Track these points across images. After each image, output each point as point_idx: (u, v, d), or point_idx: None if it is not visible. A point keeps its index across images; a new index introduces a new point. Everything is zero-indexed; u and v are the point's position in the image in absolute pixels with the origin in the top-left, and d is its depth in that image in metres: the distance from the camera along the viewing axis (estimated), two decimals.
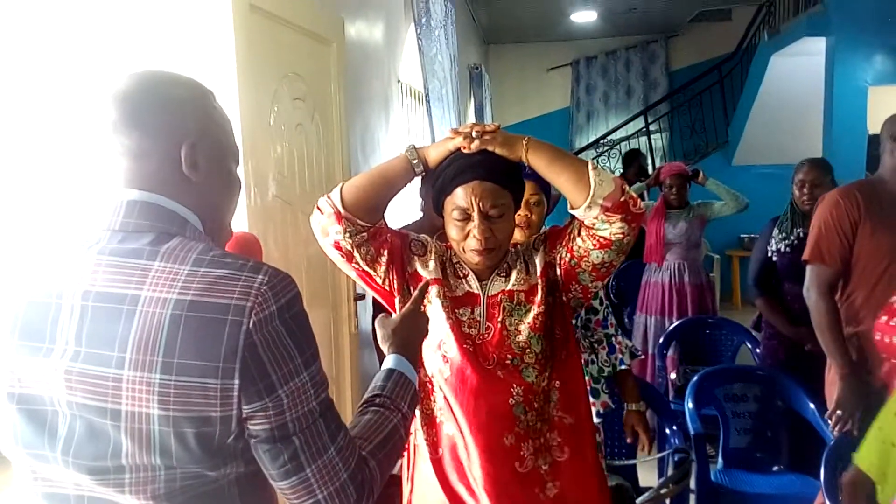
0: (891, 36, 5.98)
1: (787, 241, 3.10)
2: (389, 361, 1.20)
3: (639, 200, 1.44)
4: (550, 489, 1.51)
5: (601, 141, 9.28)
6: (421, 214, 2.77)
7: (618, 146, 9.03)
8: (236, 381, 0.88)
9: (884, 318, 1.71)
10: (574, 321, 2.11)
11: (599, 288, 1.56)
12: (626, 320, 4.66)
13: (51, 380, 0.89)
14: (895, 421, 1.68)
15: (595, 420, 2.12)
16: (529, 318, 1.50)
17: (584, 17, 8.64)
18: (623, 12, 8.51)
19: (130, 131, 0.93)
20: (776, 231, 3.16)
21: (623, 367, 2.23)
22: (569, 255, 1.50)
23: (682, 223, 4.26)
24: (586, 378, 2.10)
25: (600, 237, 1.43)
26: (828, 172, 3.11)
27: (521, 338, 1.49)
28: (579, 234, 1.47)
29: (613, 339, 2.25)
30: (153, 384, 0.86)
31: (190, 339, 0.86)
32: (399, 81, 4.33)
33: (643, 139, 8.98)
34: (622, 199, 1.40)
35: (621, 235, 1.42)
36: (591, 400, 2.13)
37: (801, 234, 3.05)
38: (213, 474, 0.92)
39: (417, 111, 4.80)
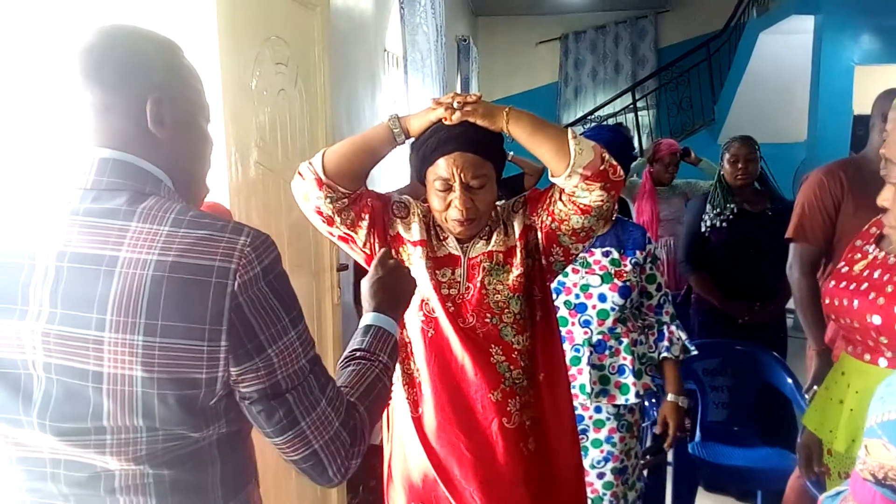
0: (878, 15, 5.99)
1: (722, 216, 3.18)
2: (368, 318, 1.21)
3: (619, 168, 1.45)
4: (532, 443, 1.57)
5: (588, 117, 9.27)
6: (408, 181, 2.76)
7: (605, 122, 9.01)
8: (224, 343, 0.87)
9: (832, 283, 1.75)
10: (625, 301, 2.13)
11: (581, 251, 1.58)
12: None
13: (26, 342, 0.87)
14: (842, 379, 1.73)
15: (633, 400, 2.13)
16: (509, 278, 1.53)
17: None
18: None
19: (93, 86, 0.91)
20: (709, 207, 3.23)
21: (667, 355, 2.21)
22: (549, 218, 1.52)
23: (672, 200, 4.29)
24: (630, 357, 2.14)
25: (581, 204, 1.45)
26: (756, 147, 3.22)
27: (500, 297, 1.52)
28: (560, 198, 1.48)
29: (666, 327, 2.22)
30: (136, 346, 0.85)
31: (173, 300, 0.85)
32: (386, 51, 4.28)
33: (630, 115, 8.98)
34: (602, 167, 1.41)
35: (601, 202, 1.44)
36: (633, 380, 2.13)
37: (735, 209, 3.17)
38: (196, 435, 0.92)
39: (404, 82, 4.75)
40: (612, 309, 2.12)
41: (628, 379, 2.12)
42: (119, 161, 0.92)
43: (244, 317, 0.88)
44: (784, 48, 6.95)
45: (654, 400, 2.69)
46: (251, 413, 0.94)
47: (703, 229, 3.22)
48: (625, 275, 2.13)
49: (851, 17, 6.07)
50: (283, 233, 2.28)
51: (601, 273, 2.13)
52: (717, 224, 3.18)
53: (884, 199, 1.03)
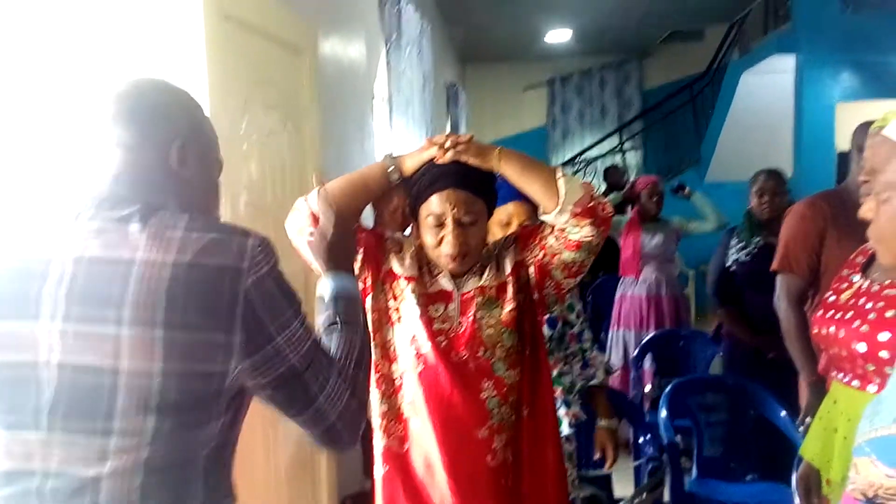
0: (857, 53, 6.15)
1: (746, 251, 3.17)
2: (330, 286, 1.27)
3: (607, 205, 1.50)
4: (510, 480, 1.56)
5: (577, 159, 9.40)
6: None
7: (594, 163, 9.14)
8: (238, 336, 0.96)
9: (819, 312, 1.76)
10: (553, 332, 2.16)
11: (572, 286, 1.61)
12: (603, 334, 4.67)
13: (42, 342, 0.93)
14: (834, 408, 1.73)
15: (566, 431, 2.15)
16: (501, 313, 1.55)
17: (559, 36, 8.76)
18: (596, 32, 8.66)
19: (128, 124, 1.01)
20: (734, 241, 3.24)
21: (595, 382, 2.26)
22: (542, 252, 1.55)
23: (659, 235, 4.30)
24: (560, 388, 2.16)
25: (572, 240, 1.48)
26: (784, 181, 3.24)
27: (493, 332, 1.54)
28: (552, 233, 1.52)
29: (588, 353, 2.27)
30: (155, 340, 0.91)
31: (190, 296, 0.93)
32: (374, 97, 4.35)
33: (618, 157, 9.12)
34: (591, 204, 1.46)
35: (591, 238, 1.48)
36: (565, 410, 2.16)
37: (761, 243, 3.14)
38: (198, 435, 0.97)
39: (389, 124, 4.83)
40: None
41: (560, 410, 2.14)
42: (133, 179, 1.01)
43: (255, 311, 0.97)
44: (766, 87, 7.09)
45: (648, 436, 2.68)
46: (275, 401, 1.04)
47: (728, 263, 3.22)
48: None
49: (831, 56, 6.22)
50: None
51: None
52: (742, 258, 3.17)
53: (867, 209, 1.05)
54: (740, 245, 3.19)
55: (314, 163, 2.64)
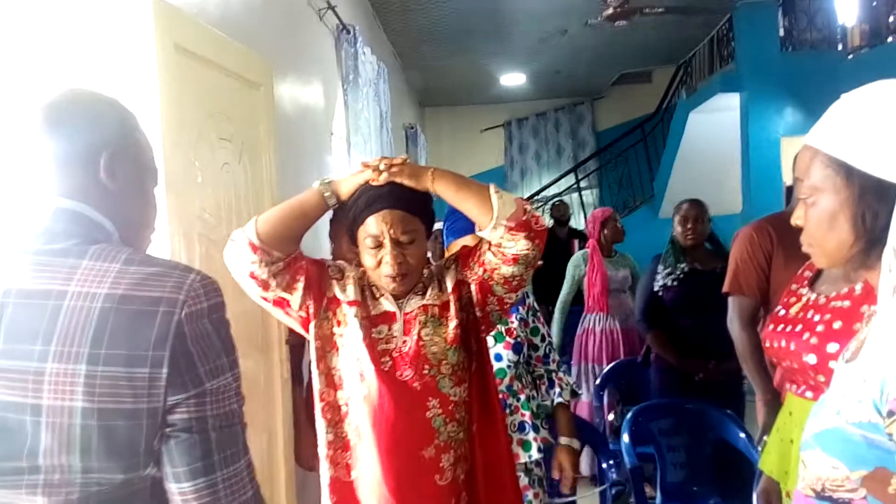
0: (798, 88, 6.38)
1: (672, 276, 3.29)
2: None
3: (541, 218, 1.53)
4: (464, 499, 1.55)
5: (535, 197, 9.54)
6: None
7: (551, 201, 9.30)
8: (164, 370, 0.89)
9: (770, 327, 1.80)
10: (519, 357, 2.18)
11: (514, 300, 1.62)
12: (565, 367, 4.61)
13: None
14: (790, 419, 1.75)
15: (536, 456, 2.14)
16: (445, 331, 1.56)
17: (514, 79, 8.97)
18: (549, 75, 8.89)
19: (54, 135, 0.97)
20: (661, 267, 3.35)
21: (559, 400, 2.26)
22: (481, 269, 1.57)
23: (623, 268, 4.35)
24: (528, 413, 2.14)
25: (508, 254, 1.51)
26: (706, 210, 3.38)
27: (437, 349, 1.54)
28: (489, 249, 1.54)
29: (554, 374, 2.29)
30: (78, 375, 0.86)
31: (120, 329, 0.87)
32: (332, 134, 4.38)
33: (574, 195, 9.29)
34: (524, 218, 1.49)
35: (527, 251, 1.51)
36: (534, 435, 2.14)
37: (686, 269, 3.28)
38: (132, 476, 0.90)
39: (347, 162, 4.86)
40: (509, 367, 2.16)
41: (529, 435, 2.14)
42: (74, 212, 0.97)
43: (186, 347, 0.90)
44: (714, 125, 7.32)
45: (611, 462, 2.68)
46: (169, 446, 0.91)
47: (655, 288, 3.32)
48: (514, 331, 2.20)
49: (773, 92, 6.46)
50: (230, 306, 2.25)
51: (493, 333, 2.15)
52: (669, 283, 3.27)
53: (797, 217, 1.08)
54: (666, 271, 3.31)
55: (270, 196, 2.63)
